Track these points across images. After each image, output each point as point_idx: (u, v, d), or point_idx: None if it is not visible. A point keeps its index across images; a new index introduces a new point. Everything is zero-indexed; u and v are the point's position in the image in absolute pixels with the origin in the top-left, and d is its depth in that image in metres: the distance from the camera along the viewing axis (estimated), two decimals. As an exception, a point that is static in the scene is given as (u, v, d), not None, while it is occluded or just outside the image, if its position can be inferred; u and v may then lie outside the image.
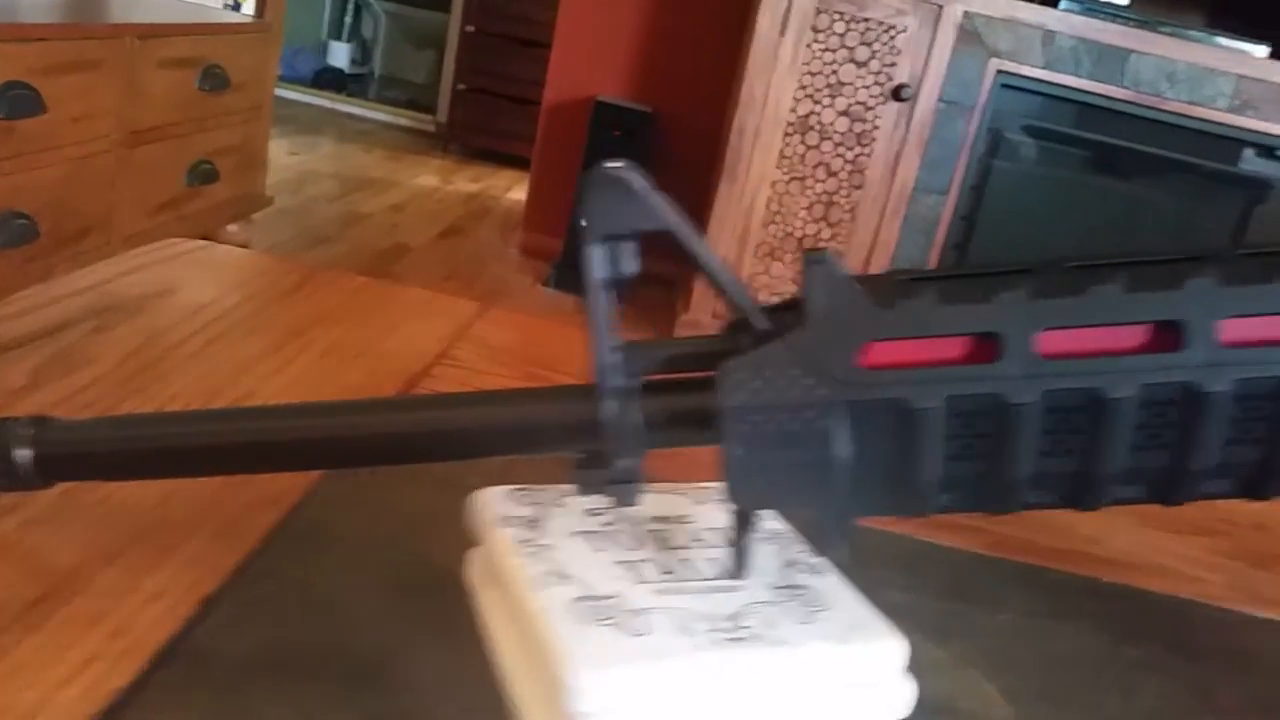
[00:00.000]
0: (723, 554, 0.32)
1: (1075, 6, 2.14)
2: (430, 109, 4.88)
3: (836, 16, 2.09)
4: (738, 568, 0.30)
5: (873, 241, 2.22)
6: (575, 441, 0.29)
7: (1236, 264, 0.27)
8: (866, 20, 2.09)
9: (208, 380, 0.48)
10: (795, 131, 2.18)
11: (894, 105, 2.13)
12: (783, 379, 0.27)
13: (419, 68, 5.57)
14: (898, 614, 0.40)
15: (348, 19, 5.83)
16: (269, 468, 0.31)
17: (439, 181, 3.86)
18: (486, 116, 4.27)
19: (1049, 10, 2.09)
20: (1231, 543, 0.56)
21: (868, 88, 2.13)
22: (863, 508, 0.29)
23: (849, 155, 2.18)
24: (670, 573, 0.31)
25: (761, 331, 0.28)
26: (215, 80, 2.17)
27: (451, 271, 2.71)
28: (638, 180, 0.27)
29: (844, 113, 2.15)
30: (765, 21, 2.11)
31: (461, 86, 4.34)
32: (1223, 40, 2.16)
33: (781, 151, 2.19)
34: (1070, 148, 2.24)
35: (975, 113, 2.12)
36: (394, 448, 0.31)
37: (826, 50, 2.12)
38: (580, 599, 0.29)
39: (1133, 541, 0.52)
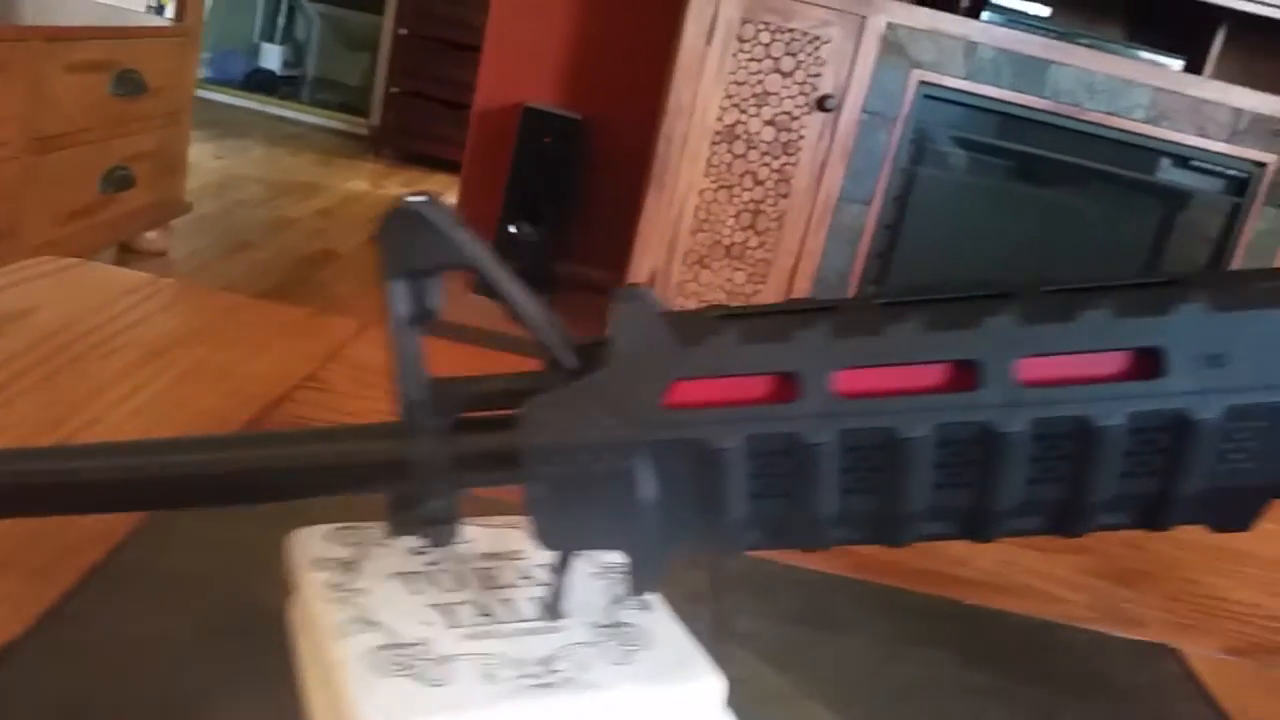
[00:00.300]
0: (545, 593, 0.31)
1: (997, 18, 2.18)
2: (364, 112, 4.82)
3: (762, 27, 2.11)
4: (553, 609, 0.29)
5: (799, 250, 2.23)
6: (382, 482, 0.29)
7: (1037, 301, 0.27)
8: (791, 31, 2.11)
9: (50, 410, 0.46)
10: (722, 140, 2.18)
11: (819, 115, 2.15)
12: (585, 419, 0.27)
13: (353, 70, 5.50)
14: (745, 642, 0.40)
15: (280, 21, 5.74)
16: (48, 511, 0.30)
17: (370, 186, 3.81)
18: (420, 120, 4.23)
19: (971, 22, 2.13)
20: (1100, 561, 0.56)
21: (793, 98, 2.15)
22: (677, 545, 0.29)
23: (775, 164, 2.19)
24: (488, 615, 0.30)
25: (569, 370, 0.28)
26: (130, 85, 2.12)
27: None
28: (437, 214, 0.27)
29: (770, 122, 2.16)
30: (691, 31, 2.11)
31: (394, 90, 4.30)
32: (1140, 53, 2.22)
33: (709, 160, 2.20)
34: (992, 157, 2.28)
35: (898, 123, 2.15)
36: (190, 491, 0.30)
37: (752, 60, 2.13)
38: (382, 647, 0.28)
39: (999, 561, 0.52)
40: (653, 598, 0.33)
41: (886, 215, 2.22)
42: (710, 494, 0.27)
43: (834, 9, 2.09)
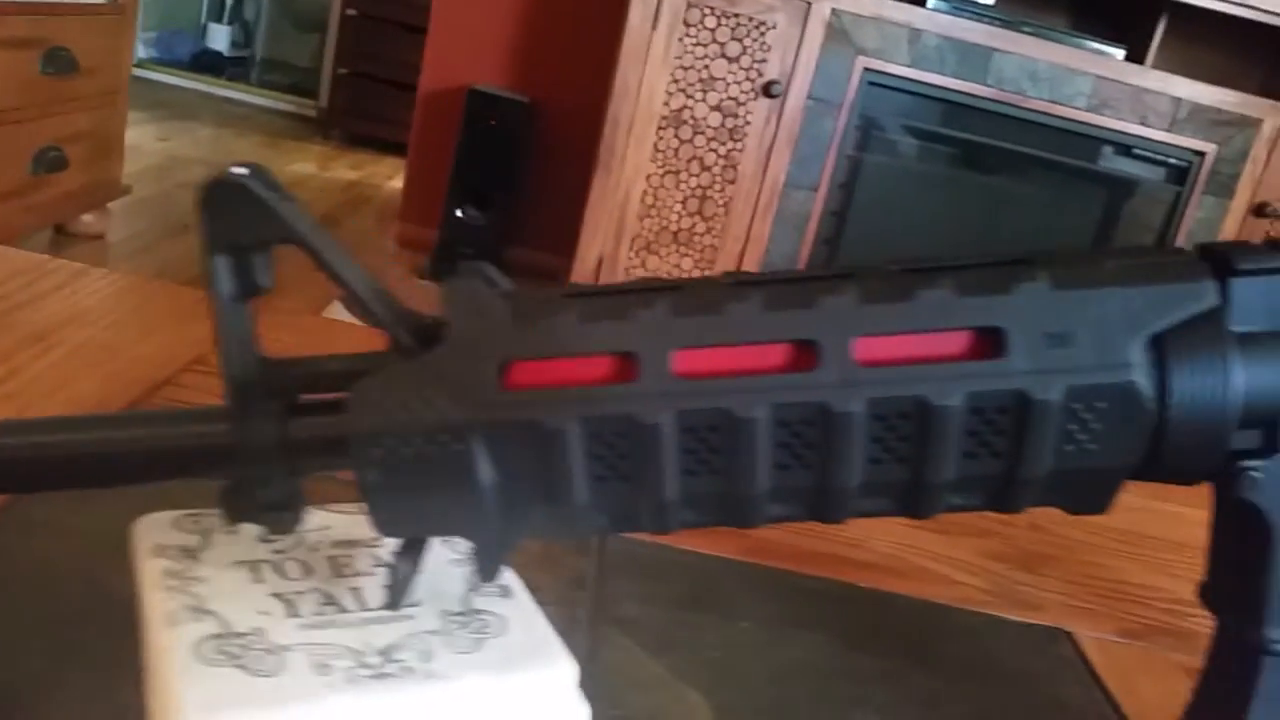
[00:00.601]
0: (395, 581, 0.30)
1: (942, 6, 2.18)
2: (313, 94, 4.75)
3: (707, 11, 2.10)
4: (395, 597, 0.29)
5: (746, 236, 2.23)
6: (211, 468, 0.28)
7: (878, 281, 0.27)
8: (737, 15, 2.10)
9: (-85, 392, 0.44)
10: (669, 125, 2.17)
11: (765, 101, 2.14)
12: (418, 401, 0.26)
13: (303, 51, 5.42)
14: (626, 627, 0.39)
15: (229, 1, 5.64)
16: None
17: (316, 169, 3.76)
18: (369, 102, 4.17)
19: (916, 9, 2.13)
20: (1001, 544, 0.57)
21: (739, 83, 2.14)
22: (521, 530, 0.28)
23: (722, 150, 2.19)
24: (333, 604, 0.29)
25: (404, 350, 0.27)
26: (61, 63, 2.06)
27: (324, 263, 2.63)
28: (260, 187, 0.26)
29: (716, 107, 2.16)
30: (637, 14, 2.10)
31: (343, 71, 4.23)
32: (1082, 41, 2.24)
33: (655, 145, 2.19)
34: (937, 144, 2.29)
35: (843, 110, 2.15)
36: (17, 475, 0.28)
37: (698, 45, 2.12)
38: (212, 637, 0.27)
39: (897, 544, 0.52)
40: (514, 584, 0.32)
41: (833, 201, 2.23)
42: (551, 477, 0.26)
43: (780, -6, 2.08)
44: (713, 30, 2.11)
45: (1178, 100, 2.17)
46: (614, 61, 2.18)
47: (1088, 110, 2.18)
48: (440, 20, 2.68)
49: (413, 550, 0.28)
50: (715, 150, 2.18)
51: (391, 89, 4.03)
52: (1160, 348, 0.27)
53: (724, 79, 2.14)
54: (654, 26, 2.10)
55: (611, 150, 2.18)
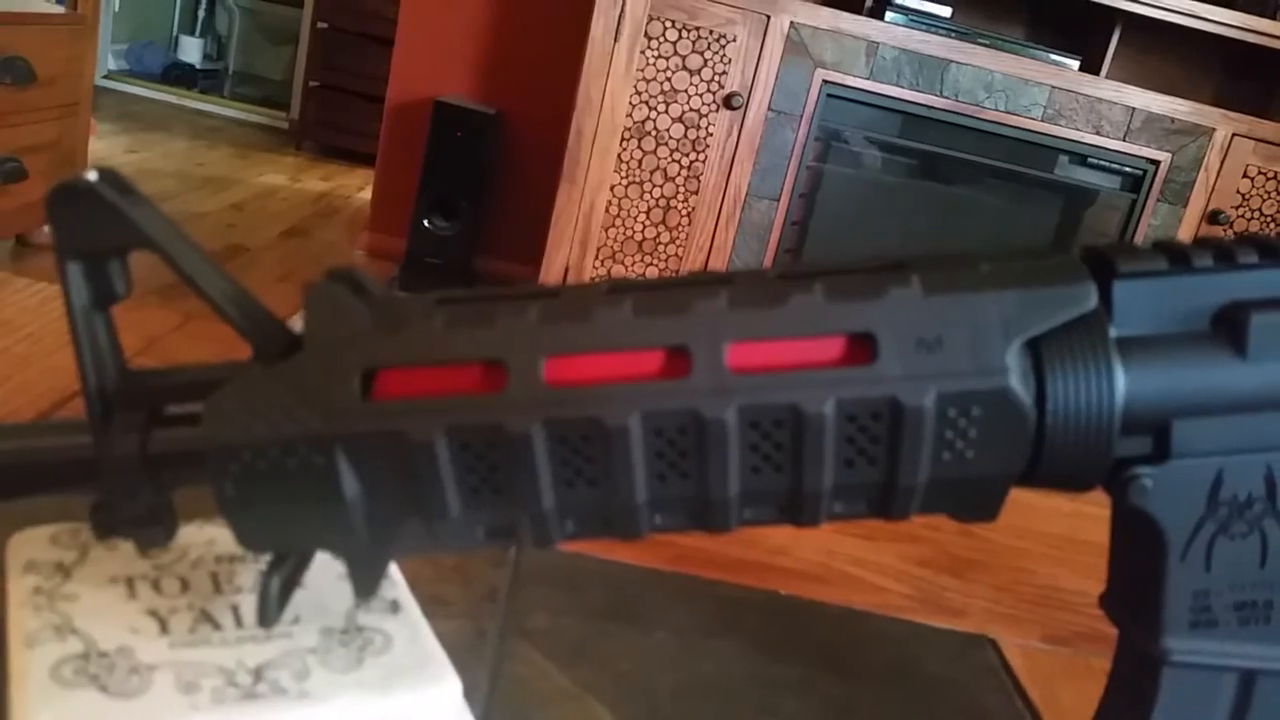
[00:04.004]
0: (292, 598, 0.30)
1: (899, 18, 2.20)
2: (285, 106, 4.73)
3: (669, 24, 2.10)
4: (267, 614, 0.28)
5: (710, 245, 2.24)
6: (77, 482, 0.27)
7: (752, 287, 0.27)
8: (698, 29, 2.11)
9: None
10: (632, 136, 2.18)
11: (726, 113, 2.15)
12: (274, 411, 0.25)
13: (275, 64, 5.39)
14: (537, 639, 0.39)
15: (201, 13, 5.61)
16: None
17: (286, 180, 3.74)
18: (339, 114, 4.16)
19: (872, 22, 2.15)
20: (930, 550, 0.57)
21: (700, 95, 2.15)
22: (395, 544, 0.27)
23: (685, 161, 2.19)
24: (208, 621, 0.29)
25: (267, 358, 0.26)
26: (18, 73, 2.04)
27: (289, 273, 2.62)
28: (110, 191, 0.25)
29: (678, 119, 2.16)
30: (599, 27, 2.10)
31: (314, 83, 4.22)
32: (1037, 52, 2.26)
33: (619, 156, 2.19)
34: (896, 155, 2.31)
35: (803, 121, 2.16)
36: None
37: (660, 57, 2.13)
38: (73, 657, 0.26)
39: (822, 551, 0.52)
40: (405, 599, 0.32)
41: (794, 211, 2.24)
42: (420, 490, 0.26)
43: (739, 8, 2.09)
44: (674, 43, 2.12)
45: (1131, 110, 2.19)
46: (578, 73, 2.18)
47: (1043, 120, 2.20)
48: (406, 32, 2.67)
49: (283, 565, 0.28)
50: (678, 161, 2.19)
51: (362, 101, 4.02)
52: (1038, 352, 0.27)
53: (686, 91, 2.15)
54: (616, 39, 2.11)
55: (576, 161, 2.18)
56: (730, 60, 2.12)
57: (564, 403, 0.25)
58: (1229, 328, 0.27)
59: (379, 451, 0.25)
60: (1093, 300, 0.27)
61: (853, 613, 0.47)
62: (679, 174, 2.20)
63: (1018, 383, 0.26)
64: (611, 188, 2.21)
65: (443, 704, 0.29)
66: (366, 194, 3.58)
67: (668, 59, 2.13)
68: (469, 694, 0.30)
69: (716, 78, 2.13)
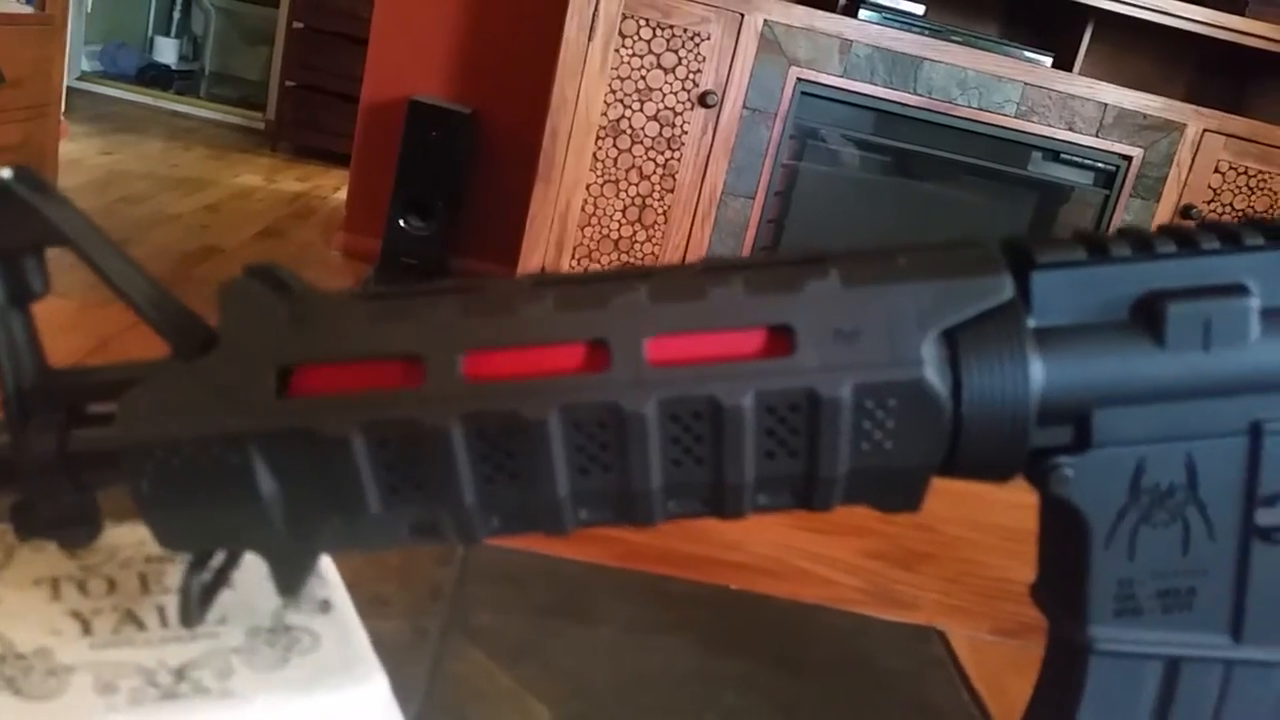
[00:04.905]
0: (218, 597, 0.30)
1: (872, 16, 2.21)
2: (262, 107, 4.70)
3: (642, 23, 2.10)
4: (189, 613, 0.28)
5: (686, 244, 2.24)
6: None
7: (672, 280, 0.27)
8: (672, 27, 2.11)
9: None
10: (607, 135, 2.18)
11: (701, 111, 2.15)
12: (188, 409, 0.25)
13: (252, 65, 5.36)
14: (479, 637, 0.39)
15: (176, 14, 5.57)
16: None
17: (262, 181, 3.72)
18: (316, 114, 4.14)
19: (846, 19, 2.15)
20: (884, 543, 0.57)
21: (675, 94, 2.15)
22: (317, 542, 0.27)
23: (660, 160, 2.19)
24: (132, 621, 0.28)
25: (184, 356, 0.26)
26: (-14, 75, 2.02)
27: (265, 277, 2.60)
28: (24, 189, 0.25)
29: (653, 118, 2.16)
30: (573, 26, 2.10)
31: (290, 83, 4.19)
32: (1010, 49, 2.27)
33: (595, 154, 2.19)
34: (870, 152, 2.31)
35: (778, 119, 2.17)
36: None
37: (634, 56, 2.13)
38: (-9, 657, 0.26)
39: (776, 545, 0.52)
40: (338, 598, 0.32)
41: (770, 209, 2.24)
42: (339, 487, 0.26)
43: (713, 6, 2.09)
44: (648, 41, 2.12)
45: (1104, 106, 2.20)
46: (553, 72, 2.17)
47: (1016, 117, 2.21)
48: (381, 32, 2.66)
49: (206, 565, 0.28)
50: (654, 160, 2.19)
51: (339, 101, 4.00)
52: (955, 343, 0.27)
53: (660, 89, 2.15)
54: (590, 38, 2.10)
55: (551, 160, 2.18)
56: (705, 58, 2.12)
57: (483, 397, 0.25)
58: (1147, 317, 0.27)
59: (294, 449, 0.25)
60: (1008, 291, 0.27)
61: (802, 606, 0.47)
62: (654, 172, 2.20)
63: (933, 374, 0.26)
64: (587, 187, 2.21)
65: (369, 703, 0.29)
66: (343, 194, 3.56)
67: (642, 57, 2.13)
68: (406, 693, 0.30)
69: (691, 76, 2.14)
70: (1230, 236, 0.28)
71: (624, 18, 2.09)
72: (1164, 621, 0.29)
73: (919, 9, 2.28)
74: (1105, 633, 0.30)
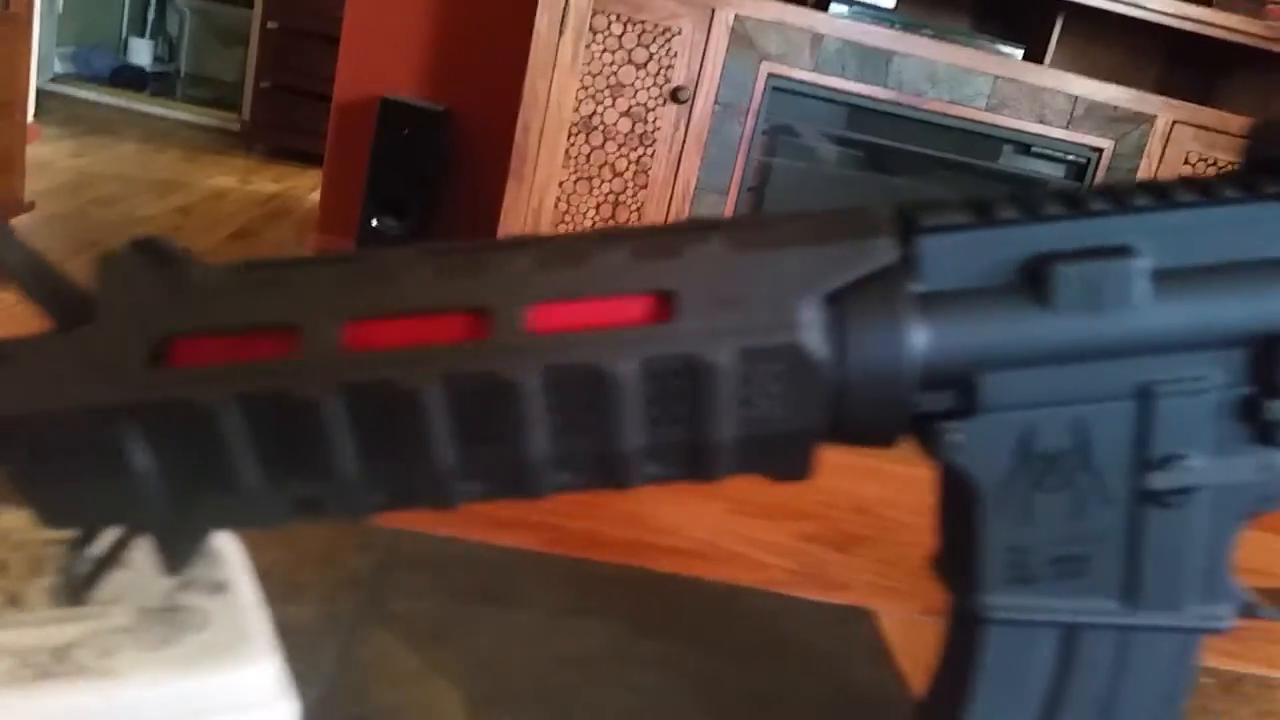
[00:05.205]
0: (111, 576, 0.29)
1: (843, 10, 2.21)
2: (237, 108, 4.67)
3: (614, 17, 2.10)
4: (72, 592, 0.28)
5: (659, 240, 2.24)
6: None
7: (555, 248, 0.27)
8: (643, 22, 2.11)
9: None
10: (579, 131, 2.17)
11: (673, 107, 2.15)
12: (62, 381, 0.25)
13: (228, 66, 5.33)
14: (394, 623, 0.39)
15: (150, 15, 5.54)
16: None
17: (237, 182, 3.70)
18: (291, 114, 4.12)
19: (817, 14, 2.16)
20: (822, 526, 0.57)
21: (647, 89, 2.15)
22: (201, 519, 0.27)
23: (633, 156, 2.19)
24: (14, 603, 0.28)
25: (64, 329, 0.26)
26: (-50, 75, 2.00)
27: (238, 277, 2.58)
28: None
29: (625, 113, 2.16)
30: (543, 21, 2.10)
31: (265, 84, 4.17)
32: (980, 42, 2.28)
33: (567, 151, 2.19)
34: (842, 147, 2.32)
35: (750, 114, 2.17)
36: None
37: (605, 51, 2.12)
38: None
39: (712, 530, 0.52)
40: (237, 579, 0.31)
41: (743, 204, 2.24)
42: (215, 461, 0.26)
43: (684, 1, 2.09)
44: (619, 37, 2.11)
45: (1075, 98, 2.21)
46: (525, 69, 2.17)
47: (987, 110, 2.21)
48: (353, 30, 2.65)
49: (88, 543, 0.27)
50: (626, 156, 2.19)
51: (315, 101, 3.97)
52: (838, 308, 0.27)
53: (632, 85, 2.14)
54: (561, 33, 2.10)
55: (524, 157, 2.17)
56: (676, 54, 2.12)
57: (360, 367, 0.25)
58: (1034, 280, 0.27)
59: (169, 422, 0.25)
60: (890, 255, 0.27)
61: (731, 589, 0.47)
62: (627, 169, 2.19)
63: (814, 338, 0.26)
64: (560, 184, 2.21)
65: (257, 683, 0.28)
66: (317, 195, 3.54)
67: (613, 53, 2.12)
68: (312, 677, 0.30)
69: (663, 71, 2.13)
70: (1118, 198, 0.28)
71: (595, 12, 2.09)
72: (1058, 589, 0.30)
73: (889, 2, 2.28)
74: (999, 601, 0.30)
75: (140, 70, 5.17)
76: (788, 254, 0.26)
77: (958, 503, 0.30)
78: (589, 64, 2.13)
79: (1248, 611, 0.31)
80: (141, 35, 5.49)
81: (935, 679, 0.33)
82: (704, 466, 0.28)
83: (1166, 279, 0.27)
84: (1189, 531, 0.29)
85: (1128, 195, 0.28)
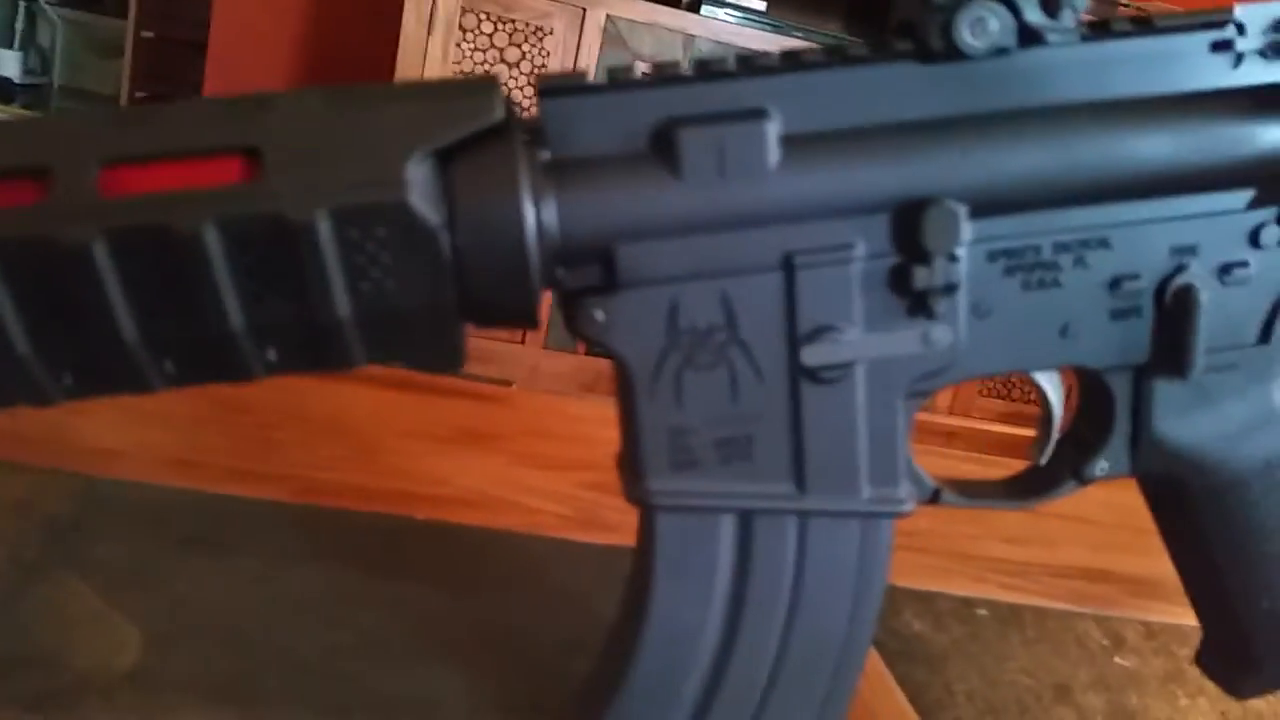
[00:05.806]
0: None
1: (715, 12, 2.23)
2: (113, 121, 4.52)
3: (483, 16, 2.08)
4: None
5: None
6: None
7: (135, 109, 0.24)
8: (513, 21, 2.09)
9: None
10: (452, 132, 2.14)
11: (545, 104, 2.14)
12: None
13: (105, 78, 5.14)
14: (88, 569, 0.36)
15: (19, 25, 5.32)
16: None
17: (108, 196, 3.56)
18: (167, 127, 3.99)
19: (689, 15, 2.17)
20: (609, 476, 0.55)
21: (521, 88, 2.13)
22: None
23: (507, 155, 2.17)
24: None
25: None
26: None
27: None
28: None
29: (498, 112, 2.14)
30: (411, 20, 2.06)
31: (141, 95, 4.03)
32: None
33: (440, 152, 2.15)
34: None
35: (626, 112, 2.16)
36: None
37: (477, 50, 2.10)
38: None
39: (490, 479, 0.50)
40: None
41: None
42: None
43: (555, 0, 2.08)
44: (490, 35, 2.09)
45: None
46: (395, 69, 2.13)
47: (860, 110, 2.25)
48: (219, 34, 2.58)
49: None
50: (500, 156, 2.16)
51: (191, 112, 3.87)
52: (451, 172, 0.25)
53: (505, 84, 2.11)
54: (429, 32, 2.07)
55: (395, 159, 2.13)
56: (549, 53, 2.11)
57: None
58: (664, 146, 0.26)
59: None
60: (498, 111, 0.25)
61: (488, 532, 0.45)
62: (501, 169, 2.17)
63: (421, 199, 0.24)
64: (434, 185, 2.17)
65: None
66: None
67: (484, 51, 2.10)
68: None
69: (536, 70, 2.12)
70: (750, 63, 0.27)
71: (464, 11, 2.07)
72: (725, 472, 0.28)
73: (761, 5, 2.31)
74: (664, 485, 0.28)
75: (8, 82, 4.96)
76: (390, 108, 0.24)
77: (616, 386, 0.28)
78: (460, 63, 2.10)
79: (932, 496, 0.31)
80: (10, 46, 5.27)
81: (629, 579, 0.32)
82: (331, 351, 0.25)
83: (800, 143, 0.26)
84: (851, 409, 0.28)
85: (761, 59, 0.27)
